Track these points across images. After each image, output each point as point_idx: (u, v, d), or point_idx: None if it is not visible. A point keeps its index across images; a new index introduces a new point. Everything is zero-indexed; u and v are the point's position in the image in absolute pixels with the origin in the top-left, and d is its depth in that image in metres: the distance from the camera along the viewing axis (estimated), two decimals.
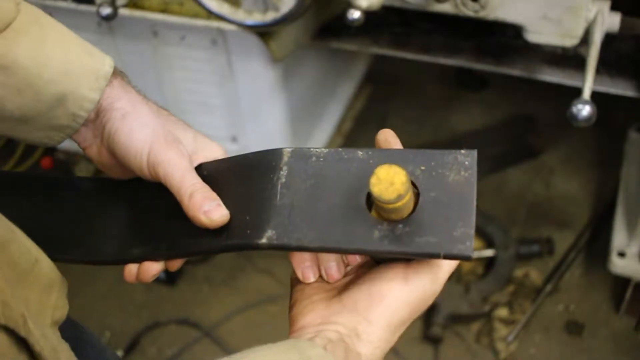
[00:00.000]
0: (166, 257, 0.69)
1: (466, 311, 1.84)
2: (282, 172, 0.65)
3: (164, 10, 1.61)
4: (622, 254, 1.72)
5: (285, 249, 0.62)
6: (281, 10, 1.37)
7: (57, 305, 0.64)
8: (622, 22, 1.34)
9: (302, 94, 1.92)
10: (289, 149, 0.66)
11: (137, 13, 1.61)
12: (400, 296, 0.61)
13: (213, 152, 0.72)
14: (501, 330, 1.83)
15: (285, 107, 1.82)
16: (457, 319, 1.85)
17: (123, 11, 1.59)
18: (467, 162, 0.61)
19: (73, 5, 1.64)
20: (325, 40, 1.69)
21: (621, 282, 1.81)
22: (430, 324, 1.82)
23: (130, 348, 1.91)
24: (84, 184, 0.80)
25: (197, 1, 1.43)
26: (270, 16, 1.40)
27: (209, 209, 0.65)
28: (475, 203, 0.59)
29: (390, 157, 0.63)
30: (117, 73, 0.72)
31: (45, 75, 0.67)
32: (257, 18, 1.43)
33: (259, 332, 1.88)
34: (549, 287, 1.89)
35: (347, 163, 0.64)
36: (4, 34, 0.65)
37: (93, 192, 0.78)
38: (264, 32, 1.54)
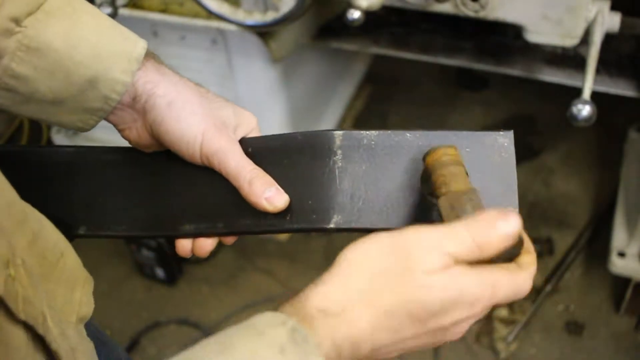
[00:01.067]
0: (224, 235, 0.71)
1: None
2: (337, 157, 0.69)
3: (164, 10, 1.61)
4: (622, 254, 1.72)
5: (351, 232, 0.66)
6: (281, 10, 1.37)
7: (82, 302, 0.64)
8: (622, 22, 1.34)
9: (302, 94, 1.92)
10: (340, 132, 0.70)
11: (137, 13, 1.62)
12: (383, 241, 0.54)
13: (250, 122, 0.74)
14: (501, 330, 1.83)
15: (285, 107, 1.82)
16: None
17: (123, 11, 1.59)
18: (505, 144, 0.67)
19: None
20: (325, 40, 1.69)
21: (621, 282, 1.81)
22: None
23: (130, 348, 1.91)
24: (113, 157, 0.76)
25: (197, 1, 1.43)
26: (270, 16, 1.40)
27: (270, 195, 0.67)
28: (516, 183, 0.65)
29: (436, 138, 0.68)
30: (149, 55, 0.71)
31: (76, 58, 0.66)
32: (257, 18, 1.43)
33: None
34: (549, 287, 1.89)
35: (398, 146, 0.68)
36: (35, 15, 0.64)
37: (127, 164, 0.76)
38: (264, 32, 1.54)
